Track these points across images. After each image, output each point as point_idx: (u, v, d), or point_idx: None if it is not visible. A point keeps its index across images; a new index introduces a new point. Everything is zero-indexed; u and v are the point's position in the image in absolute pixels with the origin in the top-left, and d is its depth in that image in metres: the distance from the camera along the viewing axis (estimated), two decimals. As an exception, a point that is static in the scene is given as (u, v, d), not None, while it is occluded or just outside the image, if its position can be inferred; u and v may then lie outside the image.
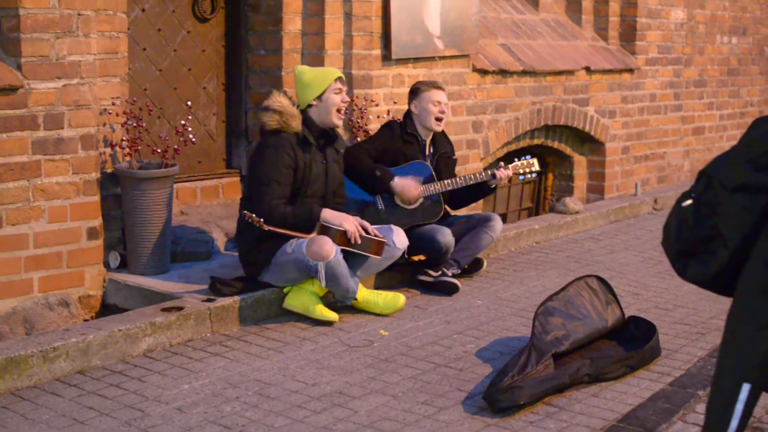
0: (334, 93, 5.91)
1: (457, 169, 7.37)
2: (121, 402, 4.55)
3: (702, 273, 3.14)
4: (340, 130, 6.07)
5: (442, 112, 6.70)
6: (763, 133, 3.04)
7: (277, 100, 5.84)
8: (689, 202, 3.05)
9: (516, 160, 6.88)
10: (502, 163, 6.77)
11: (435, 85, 6.77)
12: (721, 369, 3.16)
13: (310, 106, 5.92)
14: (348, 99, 6.02)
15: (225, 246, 6.75)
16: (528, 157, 6.88)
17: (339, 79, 5.95)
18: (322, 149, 5.96)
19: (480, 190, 6.83)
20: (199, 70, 7.36)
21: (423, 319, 5.93)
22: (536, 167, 6.84)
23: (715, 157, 3.00)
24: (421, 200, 6.61)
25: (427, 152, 6.77)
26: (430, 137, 6.80)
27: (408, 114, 6.78)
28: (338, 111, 5.93)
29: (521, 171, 6.82)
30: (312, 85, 5.91)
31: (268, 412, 4.46)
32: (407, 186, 6.51)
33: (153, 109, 6.76)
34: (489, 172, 6.69)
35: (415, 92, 6.76)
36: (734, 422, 3.05)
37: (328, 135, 5.99)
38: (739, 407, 3.03)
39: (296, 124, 5.82)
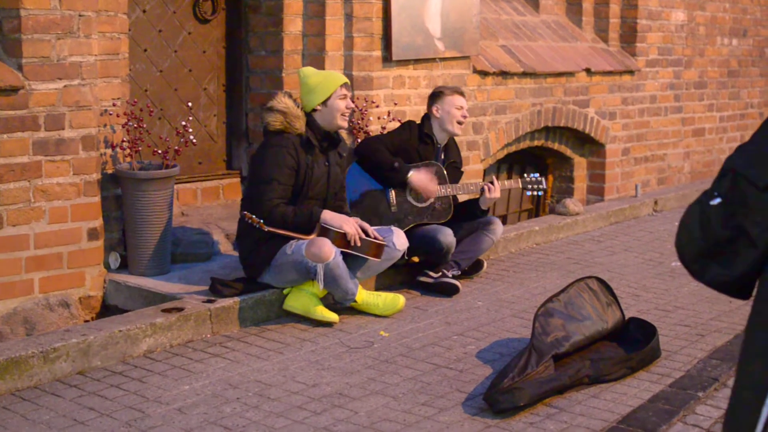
0: (339, 99, 5.90)
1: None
2: (121, 403, 4.55)
3: (725, 275, 3.04)
4: (344, 133, 6.07)
5: (464, 117, 6.79)
6: None
7: (282, 101, 5.84)
8: (718, 200, 2.97)
9: (525, 175, 6.98)
10: (494, 177, 6.79)
11: (458, 91, 6.85)
12: (744, 376, 3.07)
13: (314, 110, 5.93)
14: (352, 105, 6.02)
15: (226, 247, 6.75)
16: (536, 174, 6.95)
17: (344, 84, 5.95)
18: (324, 152, 5.96)
19: (470, 212, 6.86)
20: (200, 71, 7.36)
21: (423, 320, 5.94)
22: (544, 186, 6.94)
23: (735, 152, 2.92)
24: (431, 200, 6.63)
25: (440, 157, 6.81)
26: (445, 143, 6.83)
27: (426, 117, 6.81)
28: (343, 115, 5.94)
29: (528, 187, 6.90)
30: (317, 90, 5.90)
31: (268, 413, 4.47)
32: (426, 184, 6.53)
33: (154, 110, 6.76)
34: (480, 185, 6.75)
35: (438, 96, 6.80)
36: (759, 428, 2.99)
37: (331, 138, 5.99)
38: (765, 411, 2.97)
39: (300, 125, 5.83)
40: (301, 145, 5.81)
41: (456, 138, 7.03)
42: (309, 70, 6.05)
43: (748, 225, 2.83)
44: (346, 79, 6.00)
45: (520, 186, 6.88)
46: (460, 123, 6.78)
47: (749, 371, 3.03)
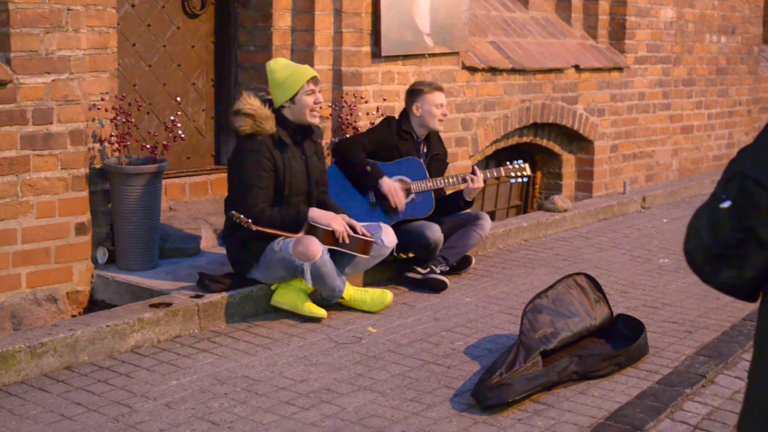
0: (306, 95, 5.82)
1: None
2: (108, 398, 4.54)
3: (736, 277, 3.03)
4: (316, 120, 6.02)
5: (445, 115, 6.78)
6: None
7: (248, 103, 5.77)
8: (728, 203, 2.97)
9: (508, 163, 6.90)
10: (476, 168, 6.75)
11: (437, 87, 6.80)
12: (756, 397, 2.97)
13: (283, 107, 5.89)
14: (321, 99, 5.94)
15: (214, 242, 6.73)
16: (520, 161, 6.90)
17: (312, 79, 5.86)
18: (299, 144, 5.93)
19: (454, 204, 6.85)
20: (189, 66, 7.34)
21: (411, 316, 5.94)
22: (527, 172, 6.86)
23: (740, 154, 2.93)
24: (413, 196, 6.62)
25: (421, 151, 6.80)
26: (425, 136, 6.82)
27: (405, 112, 6.79)
28: (312, 111, 5.89)
29: (512, 174, 6.85)
30: (284, 86, 5.83)
31: (256, 408, 4.46)
32: (395, 193, 6.51)
33: (142, 105, 6.74)
34: (461, 177, 6.72)
35: (417, 93, 6.75)
36: None
37: (304, 129, 5.95)
38: None
39: (270, 126, 5.77)
40: (274, 145, 5.76)
41: (443, 133, 7.02)
42: (276, 64, 5.94)
43: (759, 227, 2.83)
44: (314, 73, 5.90)
45: (503, 174, 6.84)
46: (440, 121, 6.77)
47: (761, 395, 2.87)
